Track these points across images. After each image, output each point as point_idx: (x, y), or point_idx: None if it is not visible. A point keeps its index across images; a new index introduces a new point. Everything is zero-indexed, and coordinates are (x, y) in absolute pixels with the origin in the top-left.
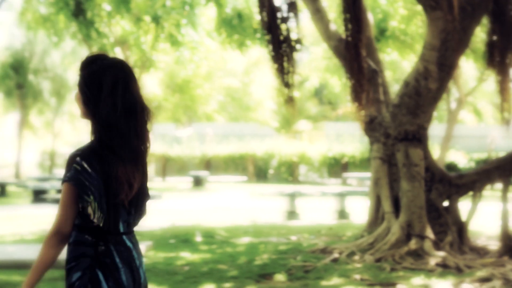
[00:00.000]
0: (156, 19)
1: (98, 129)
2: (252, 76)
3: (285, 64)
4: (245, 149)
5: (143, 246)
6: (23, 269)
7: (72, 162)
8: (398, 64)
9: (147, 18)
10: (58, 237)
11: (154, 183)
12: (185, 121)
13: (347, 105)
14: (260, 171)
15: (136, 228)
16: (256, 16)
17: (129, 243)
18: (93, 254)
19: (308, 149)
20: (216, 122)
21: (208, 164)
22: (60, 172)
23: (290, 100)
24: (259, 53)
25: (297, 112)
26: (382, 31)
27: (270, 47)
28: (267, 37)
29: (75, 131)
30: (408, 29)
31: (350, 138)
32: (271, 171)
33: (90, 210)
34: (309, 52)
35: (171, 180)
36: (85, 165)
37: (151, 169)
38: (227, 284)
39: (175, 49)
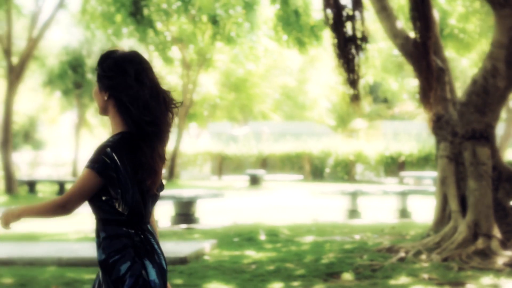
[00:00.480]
0: (213, 18)
1: (126, 114)
2: (307, 74)
3: (350, 63)
4: (302, 147)
5: (207, 244)
6: (90, 266)
7: (101, 152)
8: (455, 62)
9: (204, 17)
10: (61, 210)
11: (210, 181)
12: (241, 119)
13: (404, 104)
14: (316, 170)
15: (198, 226)
16: (313, 14)
17: (152, 231)
18: (134, 244)
19: (364, 147)
20: (272, 121)
21: (264, 163)
22: None
23: (355, 99)
24: (315, 51)
25: (353, 110)
26: (440, 30)
27: (335, 45)
28: (332, 35)
29: None
30: (466, 27)
31: (407, 137)
32: (327, 170)
33: (116, 202)
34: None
35: (227, 179)
36: (115, 157)
37: (207, 168)
38: (295, 283)
39: (231, 48)
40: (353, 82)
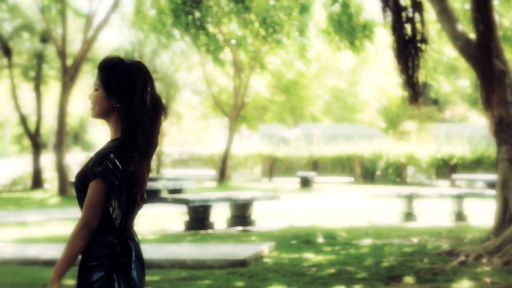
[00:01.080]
0: (265, 21)
1: (126, 126)
2: (358, 76)
3: (410, 64)
4: (352, 150)
5: (266, 247)
6: (150, 268)
7: (105, 157)
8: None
9: (255, 19)
10: (87, 230)
11: (261, 183)
12: (292, 122)
13: (456, 106)
14: (367, 172)
15: (254, 228)
16: (365, 14)
17: (136, 238)
18: (114, 255)
19: (416, 150)
20: (322, 123)
21: (315, 165)
22: (168, 172)
23: (414, 100)
24: (366, 52)
25: (410, 112)
26: None
27: (394, 47)
28: (391, 37)
29: (181, 131)
30: None
31: (459, 139)
32: (378, 172)
33: (111, 208)
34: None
35: (278, 181)
36: (117, 163)
37: (258, 170)
38: (357, 286)
39: (283, 50)
40: (412, 84)
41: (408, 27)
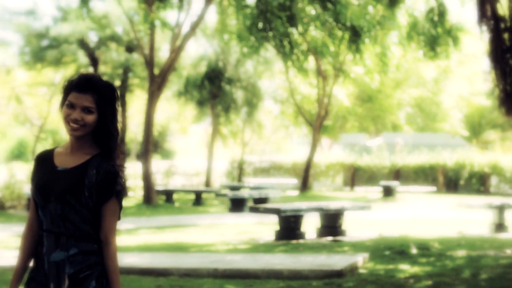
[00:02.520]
0: (353, 29)
1: (109, 142)
2: (441, 85)
3: (508, 75)
4: (435, 159)
5: (360, 258)
6: (246, 278)
7: (117, 176)
8: None
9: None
10: (115, 248)
11: (343, 192)
12: (373, 131)
13: None
14: (450, 182)
15: (345, 239)
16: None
17: None
18: (102, 262)
19: (500, 159)
20: (405, 132)
21: (397, 174)
22: (250, 180)
23: (511, 111)
24: (449, 61)
25: (486, 121)
26: None
27: (492, 57)
28: (489, 47)
29: (262, 140)
30: None
31: None
32: (461, 182)
33: None
34: None
35: (360, 190)
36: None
37: (340, 179)
38: None
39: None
40: (509, 94)
41: (506, 37)
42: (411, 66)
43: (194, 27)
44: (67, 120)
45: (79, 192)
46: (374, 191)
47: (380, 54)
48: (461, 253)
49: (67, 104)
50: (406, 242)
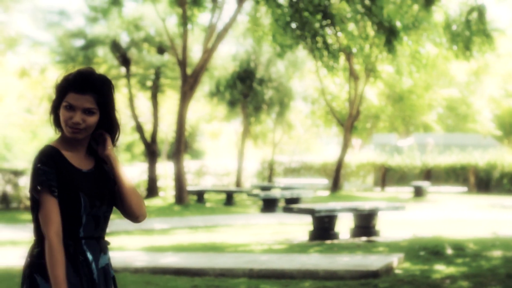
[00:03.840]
0: (389, 29)
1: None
2: (472, 86)
3: None
4: (466, 159)
5: (395, 258)
6: (282, 278)
7: None
8: None
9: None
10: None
11: (373, 193)
12: (404, 131)
13: None
14: (481, 182)
15: (379, 239)
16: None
17: None
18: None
19: None
20: (436, 132)
21: (429, 175)
22: (281, 180)
23: None
24: (480, 62)
25: None
26: None
27: None
28: None
29: (292, 140)
30: None
31: None
32: (492, 182)
33: None
34: None
35: (391, 190)
36: None
37: (370, 179)
38: None
39: (397, 57)
40: None
41: None
42: (442, 67)
43: (227, 28)
44: (67, 123)
45: (114, 192)
46: (405, 192)
47: (414, 53)
48: (496, 253)
49: (66, 106)
50: (441, 243)
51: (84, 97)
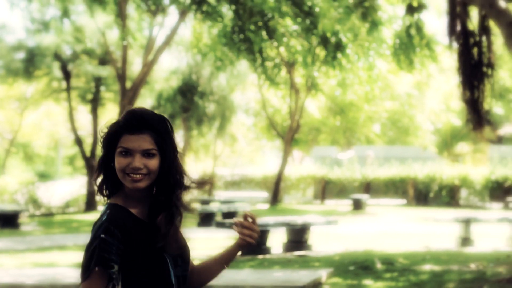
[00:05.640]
0: (324, 41)
1: (167, 186)
2: (413, 100)
3: (475, 90)
4: (406, 172)
5: (324, 273)
6: None
7: None
8: None
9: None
10: None
11: (313, 206)
12: (345, 143)
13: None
14: (420, 195)
15: (311, 253)
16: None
17: None
18: None
19: (470, 172)
20: (376, 145)
21: (368, 187)
22: (221, 194)
23: (478, 126)
24: (423, 75)
25: (457, 134)
26: None
27: (460, 71)
28: (458, 61)
29: (234, 154)
30: None
31: None
32: (431, 195)
33: None
34: None
35: (330, 203)
36: None
37: (310, 192)
38: None
39: (338, 72)
40: (477, 109)
41: (475, 52)
42: (385, 80)
43: (167, 41)
44: (126, 170)
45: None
46: (344, 204)
47: (358, 67)
48: (425, 268)
49: (121, 152)
50: (371, 257)
51: (142, 136)
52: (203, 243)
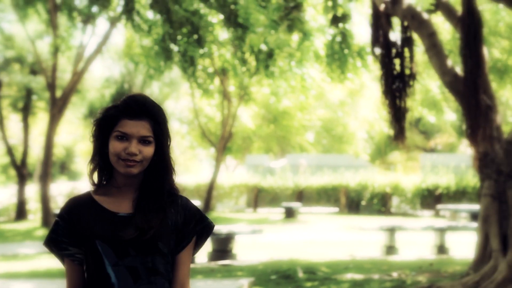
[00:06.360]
0: (254, 51)
1: (167, 174)
2: (347, 108)
3: (397, 100)
4: (338, 180)
5: (245, 282)
6: None
7: (200, 212)
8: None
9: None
10: None
11: (245, 214)
12: (279, 152)
13: (444, 136)
14: (352, 203)
15: (235, 263)
16: (356, 45)
17: None
18: None
19: (401, 180)
20: (310, 154)
21: (301, 196)
22: None
23: (400, 136)
24: (355, 84)
25: (396, 145)
26: None
27: (382, 81)
28: (380, 72)
29: None
30: (509, 61)
31: (445, 169)
32: (363, 203)
33: None
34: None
35: (263, 211)
36: None
37: (243, 200)
38: None
39: (273, 81)
40: (398, 119)
41: (397, 62)
42: (318, 88)
43: (98, 50)
44: (121, 155)
45: (168, 241)
46: (276, 212)
47: (292, 75)
48: (347, 276)
49: (117, 136)
50: (294, 266)
51: (141, 123)
52: None
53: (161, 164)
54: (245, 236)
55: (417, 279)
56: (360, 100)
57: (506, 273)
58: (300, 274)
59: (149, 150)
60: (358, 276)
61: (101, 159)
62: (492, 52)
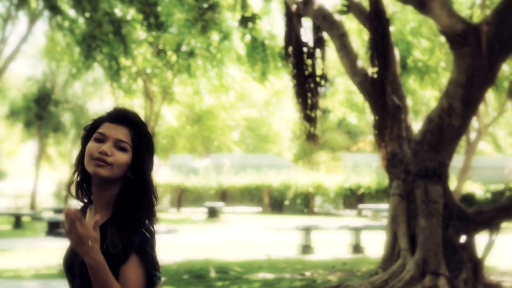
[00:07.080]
0: (178, 50)
1: (147, 199)
2: (271, 108)
3: (309, 100)
4: (261, 180)
5: None
6: None
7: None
8: (418, 94)
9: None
10: None
11: (168, 214)
12: (203, 152)
13: (367, 137)
14: (275, 202)
15: None
16: (278, 46)
17: None
18: None
19: (324, 180)
20: (233, 153)
21: (224, 195)
22: (77, 203)
23: (311, 136)
24: (279, 84)
25: (319, 143)
26: (403, 63)
27: (295, 81)
28: (293, 71)
29: None
30: (430, 61)
31: (367, 169)
32: (286, 202)
33: None
34: (335, 83)
35: (186, 211)
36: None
37: (167, 200)
38: None
39: (194, 80)
40: (310, 119)
41: (309, 63)
42: (241, 88)
43: (17, 49)
44: (93, 156)
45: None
46: (200, 212)
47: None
48: (259, 276)
49: (95, 138)
50: (207, 266)
51: (119, 127)
52: (50, 253)
53: (137, 180)
54: (161, 236)
55: (327, 278)
56: (285, 100)
57: (413, 272)
58: (212, 274)
59: (122, 157)
60: (270, 276)
61: (83, 168)
62: (413, 53)
